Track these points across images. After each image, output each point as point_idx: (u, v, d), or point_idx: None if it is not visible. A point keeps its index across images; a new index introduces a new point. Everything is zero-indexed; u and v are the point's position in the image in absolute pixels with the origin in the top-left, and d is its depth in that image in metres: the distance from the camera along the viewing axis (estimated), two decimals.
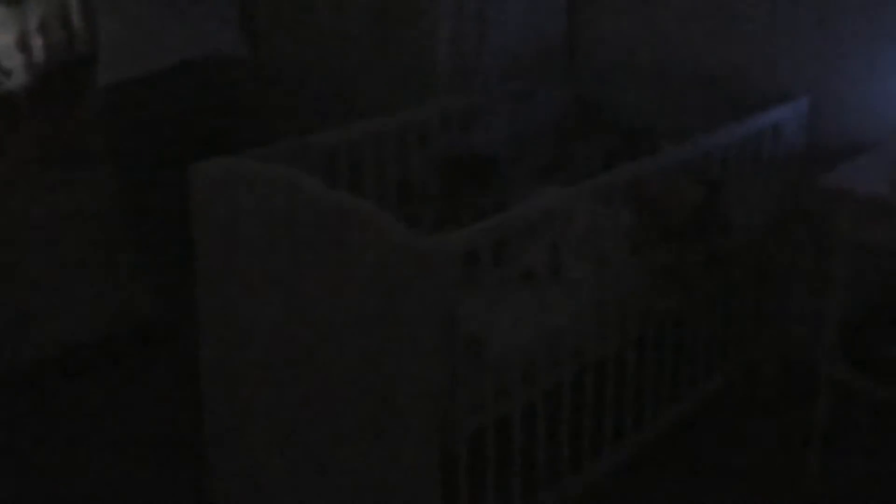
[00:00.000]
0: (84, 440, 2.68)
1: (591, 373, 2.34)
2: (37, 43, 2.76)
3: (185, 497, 2.46)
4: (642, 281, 2.37)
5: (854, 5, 2.68)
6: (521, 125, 2.89)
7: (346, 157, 2.52)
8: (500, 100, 2.88)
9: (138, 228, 3.05)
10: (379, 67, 2.99)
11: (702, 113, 2.78)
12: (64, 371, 2.89)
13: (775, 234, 2.75)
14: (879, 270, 2.56)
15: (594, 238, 2.28)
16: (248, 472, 2.31)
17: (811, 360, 2.52)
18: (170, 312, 3.05)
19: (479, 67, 2.93)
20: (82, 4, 2.82)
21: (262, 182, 2.10)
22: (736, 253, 2.59)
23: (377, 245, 1.92)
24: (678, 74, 2.95)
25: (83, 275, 2.95)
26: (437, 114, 2.74)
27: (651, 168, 2.39)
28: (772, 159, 2.69)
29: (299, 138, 2.47)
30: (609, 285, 2.31)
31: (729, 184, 2.52)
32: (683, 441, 2.63)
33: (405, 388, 1.95)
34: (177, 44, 3.24)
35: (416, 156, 2.70)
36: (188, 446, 2.51)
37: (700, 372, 2.70)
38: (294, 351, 2.12)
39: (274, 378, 2.18)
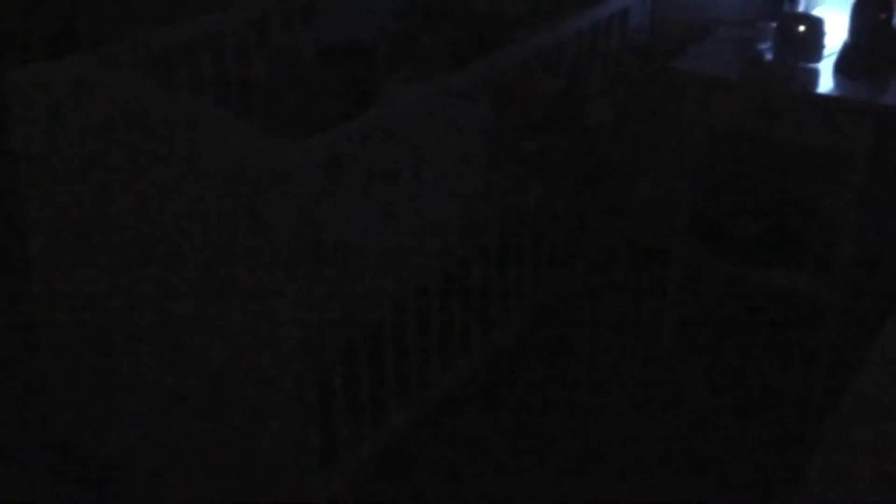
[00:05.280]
0: None
1: (458, 270, 2.31)
2: None
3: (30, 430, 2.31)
4: (506, 175, 2.33)
5: None
6: (376, 12, 2.74)
7: (182, 57, 2.32)
8: None
9: None
10: None
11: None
12: None
13: (626, 123, 2.76)
14: (727, 153, 2.63)
15: (454, 134, 2.21)
16: (97, 403, 2.16)
17: (665, 243, 2.58)
18: None
19: None
20: None
21: (90, 88, 1.88)
22: (592, 142, 2.59)
23: (230, 153, 1.78)
24: None
25: None
26: (276, 5, 2.56)
27: (509, 61, 2.31)
28: (619, 48, 2.68)
29: (130, 37, 2.24)
30: (472, 181, 2.26)
31: (584, 73, 2.49)
32: (548, 329, 2.68)
33: (270, 300, 1.84)
34: None
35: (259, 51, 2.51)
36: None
37: (559, 264, 2.72)
38: (142, 275, 1.96)
39: (117, 305, 2.02)
